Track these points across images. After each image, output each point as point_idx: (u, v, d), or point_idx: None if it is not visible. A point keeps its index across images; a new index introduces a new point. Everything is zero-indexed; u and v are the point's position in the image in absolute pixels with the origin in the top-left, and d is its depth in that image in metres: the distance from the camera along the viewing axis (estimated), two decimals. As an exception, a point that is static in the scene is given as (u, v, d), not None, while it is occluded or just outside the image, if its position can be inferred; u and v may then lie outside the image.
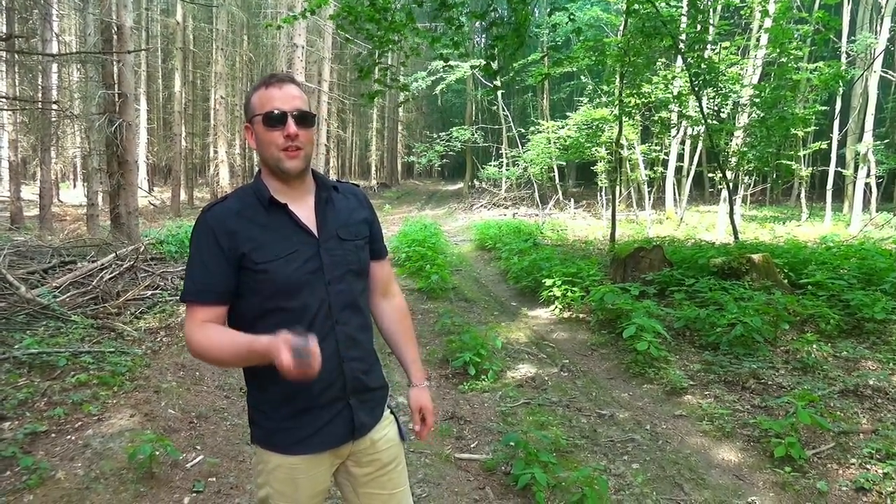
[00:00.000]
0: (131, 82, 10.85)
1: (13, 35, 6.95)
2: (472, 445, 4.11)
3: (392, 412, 1.93)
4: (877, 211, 18.69)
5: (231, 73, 25.68)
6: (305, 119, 1.65)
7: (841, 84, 12.14)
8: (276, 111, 1.62)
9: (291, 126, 1.62)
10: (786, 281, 7.83)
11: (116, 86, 10.56)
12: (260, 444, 1.76)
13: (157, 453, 3.55)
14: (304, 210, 1.71)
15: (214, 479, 3.61)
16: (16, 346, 5.17)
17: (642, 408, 4.81)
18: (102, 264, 8.65)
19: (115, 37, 10.50)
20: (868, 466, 3.65)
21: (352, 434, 1.75)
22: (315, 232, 1.69)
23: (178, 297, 7.83)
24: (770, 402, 4.63)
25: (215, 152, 22.74)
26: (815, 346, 5.65)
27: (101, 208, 14.50)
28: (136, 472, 3.47)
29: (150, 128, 30.36)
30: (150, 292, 8.01)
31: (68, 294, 7.43)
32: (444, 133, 22.52)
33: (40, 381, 4.66)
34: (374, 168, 43.12)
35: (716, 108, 12.15)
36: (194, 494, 3.41)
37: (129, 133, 10.69)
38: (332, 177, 31.90)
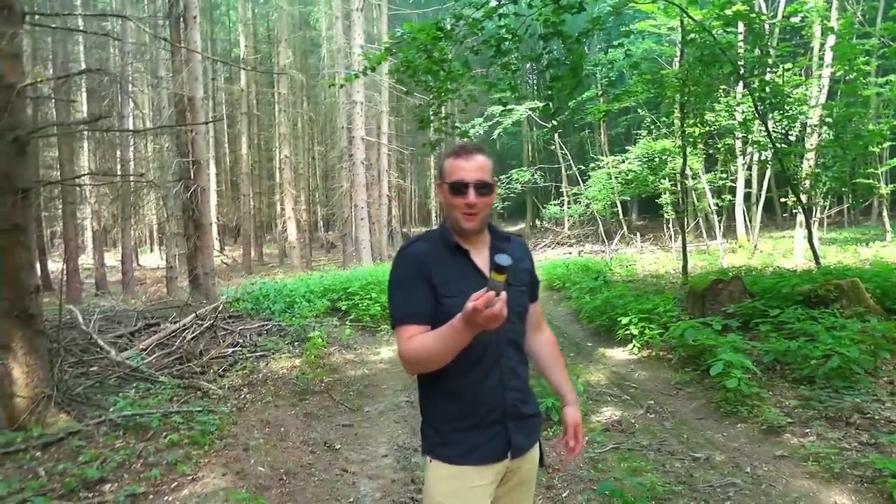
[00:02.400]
0: (204, 150, 11.41)
1: (101, 116, 7.43)
2: (563, 495, 3.99)
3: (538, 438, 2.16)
4: (968, 225, 17.63)
5: (293, 132, 26.67)
6: (485, 188, 1.91)
7: (917, 96, 11.63)
8: (460, 181, 1.89)
9: (471, 196, 1.89)
10: (879, 306, 7.41)
11: (191, 154, 11.12)
12: (429, 454, 1.99)
13: (251, 512, 3.59)
14: (481, 257, 1.98)
15: (308, 537, 3.61)
16: (111, 409, 5.37)
17: (739, 449, 4.57)
18: (184, 325, 8.96)
19: (187, 108, 11.11)
20: None
21: (506, 453, 1.96)
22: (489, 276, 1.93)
23: (257, 354, 8.02)
24: (880, 438, 4.33)
25: (282, 209, 23.51)
26: (921, 375, 5.30)
27: (179, 270, 15.13)
28: (233, 532, 3.51)
29: (218, 190, 31.69)
30: (230, 350, 8.23)
31: (154, 355, 7.72)
32: (503, 176, 22.64)
33: (135, 442, 4.81)
34: (434, 214, 43.61)
35: (784, 132, 11.81)
36: (290, 554, 3.42)
37: (203, 197, 11.20)
38: (395, 225, 32.44)
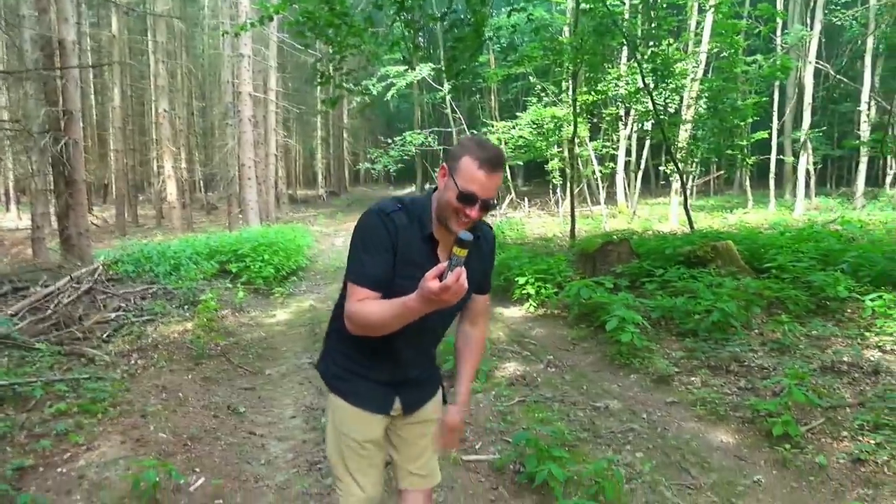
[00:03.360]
0: (77, 99, 10.45)
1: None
2: (476, 447, 4.10)
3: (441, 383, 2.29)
4: (815, 195, 19.57)
5: (171, 84, 24.97)
6: (492, 206, 1.86)
7: (782, 75, 12.63)
8: (473, 194, 1.79)
9: (475, 212, 1.82)
10: (748, 266, 8.10)
11: (61, 103, 10.15)
12: (326, 382, 2.15)
13: (159, 478, 3.42)
14: (446, 251, 1.92)
15: (220, 501, 3.50)
16: (-17, 379, 4.90)
17: (634, 397, 4.89)
18: (59, 288, 8.29)
19: (56, 52, 10.10)
20: (860, 438, 3.80)
21: (391, 410, 2.09)
22: None
23: (143, 318, 7.57)
24: (756, 383, 4.78)
25: (160, 167, 22.10)
26: (786, 326, 5.86)
27: (48, 230, 13.90)
28: (139, 501, 3.33)
29: (84, 145, 29.23)
30: (113, 314, 7.71)
31: (26, 321, 7.09)
32: (398, 138, 22.47)
33: (16, 413, 4.43)
34: (320, 176, 42.64)
35: (665, 104, 12.48)
36: (203, 519, 3.30)
37: (76, 151, 10.30)
38: (281, 187, 31.41)
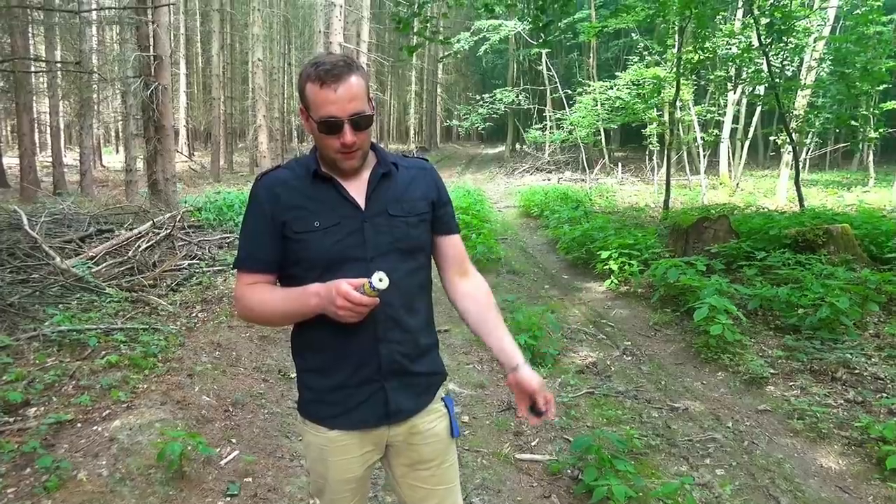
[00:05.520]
0: (166, 44, 10.50)
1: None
2: (532, 443, 3.70)
3: (446, 405, 1.76)
4: (950, 176, 17.50)
5: (269, 34, 25.23)
6: (364, 121, 1.55)
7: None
8: (332, 119, 1.51)
9: (348, 135, 1.53)
10: (865, 255, 7.17)
11: (151, 48, 10.22)
12: (300, 413, 1.73)
13: (189, 448, 3.22)
14: (357, 183, 1.63)
15: (250, 479, 3.27)
16: (46, 323, 4.92)
17: (719, 400, 4.32)
18: (139, 233, 8.43)
19: (148, -4, 10.14)
20: None
21: (386, 418, 1.64)
22: (362, 206, 1.60)
23: (215, 268, 7.57)
24: (868, 396, 4.09)
25: (254, 116, 22.45)
26: (910, 330, 5.06)
27: (140, 174, 14.37)
28: (166, 471, 3.15)
29: (188, 92, 30.22)
30: (186, 262, 7.74)
31: (104, 265, 7.21)
32: (487, 95, 21.70)
33: (69, 361, 4.39)
34: (412, 132, 42.50)
35: (781, 65, 11.27)
36: (228, 498, 3.08)
37: (164, 97, 10.40)
38: (372, 141, 31.50)
